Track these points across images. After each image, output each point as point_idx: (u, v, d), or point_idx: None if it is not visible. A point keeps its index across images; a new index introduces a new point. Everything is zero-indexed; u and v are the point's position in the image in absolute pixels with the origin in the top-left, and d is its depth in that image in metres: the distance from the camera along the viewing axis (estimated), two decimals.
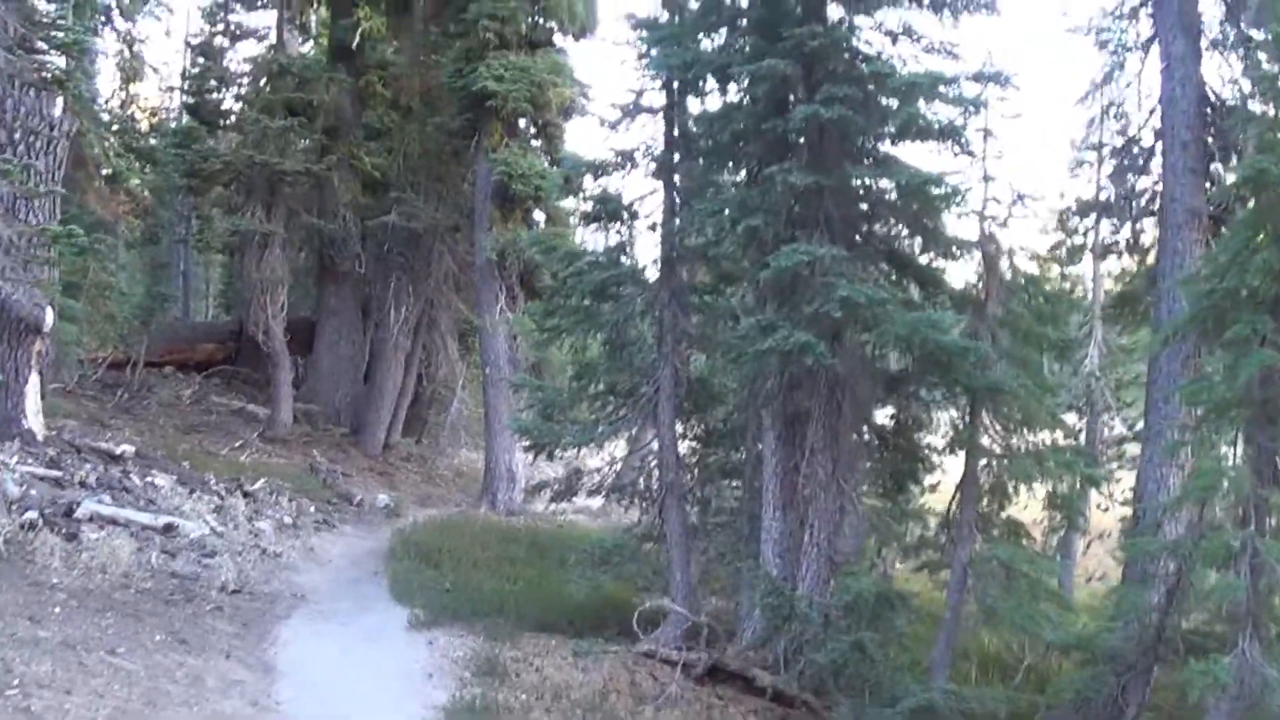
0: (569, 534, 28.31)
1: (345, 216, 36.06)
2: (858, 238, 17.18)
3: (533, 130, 34.12)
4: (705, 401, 20.25)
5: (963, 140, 16.35)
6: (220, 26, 39.88)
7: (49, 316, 22.67)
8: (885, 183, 17.05)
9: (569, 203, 32.43)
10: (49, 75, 19.87)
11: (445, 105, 34.45)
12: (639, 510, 20.98)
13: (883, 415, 18.58)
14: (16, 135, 22.09)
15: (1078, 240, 25.02)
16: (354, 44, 35.69)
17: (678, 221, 18.83)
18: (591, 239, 22.00)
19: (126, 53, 39.06)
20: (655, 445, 19.76)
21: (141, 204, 41.62)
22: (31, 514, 18.01)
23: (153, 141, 41.69)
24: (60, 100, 22.48)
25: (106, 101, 44.61)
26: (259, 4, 39.25)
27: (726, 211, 16.93)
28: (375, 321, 39.03)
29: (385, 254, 37.45)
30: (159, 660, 14.69)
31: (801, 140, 16.84)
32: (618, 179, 19.71)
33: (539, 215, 33.98)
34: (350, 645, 17.59)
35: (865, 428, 17.95)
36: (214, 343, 42.77)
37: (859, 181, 17.11)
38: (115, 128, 37.90)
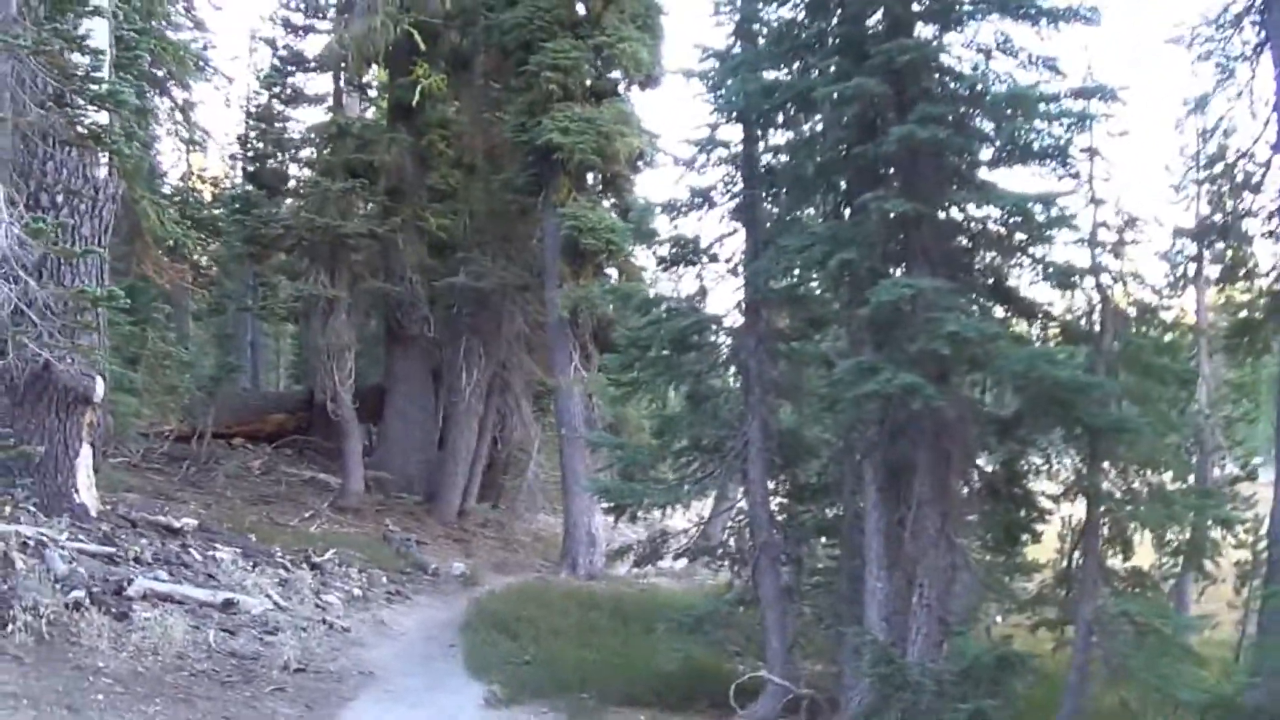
0: (653, 599, 26.78)
1: (412, 279, 35.01)
2: (958, 270, 15.55)
3: (601, 183, 32.85)
4: (796, 455, 18.58)
5: (1068, 161, 14.78)
6: (278, 90, 38.86)
7: (100, 386, 21.47)
8: (986, 209, 15.42)
9: (642, 257, 31.17)
10: (85, 130, 18.57)
11: (510, 161, 33.19)
12: (730, 573, 19.51)
13: (986, 462, 16.88)
14: (59, 197, 20.92)
15: (1180, 268, 23.28)
16: (414, 103, 34.32)
17: (761, 263, 17.19)
18: (668, 287, 20.29)
19: (179, 117, 37.96)
20: (745, 503, 18.25)
21: (206, 275, 40.86)
22: (78, 593, 16.55)
23: (215, 211, 40.68)
24: (105, 161, 21.35)
25: (165, 174, 44.13)
26: (315, 68, 38.06)
27: (816, 247, 15.30)
28: (446, 385, 37.57)
29: (454, 316, 36.27)
30: None
31: (892, 169, 15.32)
32: (694, 220, 18.34)
33: (611, 270, 32.60)
34: None
35: (974, 476, 16.28)
36: (284, 413, 41.82)
37: (957, 210, 15.55)
38: (176, 198, 37.03)
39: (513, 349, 35.93)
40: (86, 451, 21.67)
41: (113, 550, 19.88)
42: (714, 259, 18.23)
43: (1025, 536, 16.84)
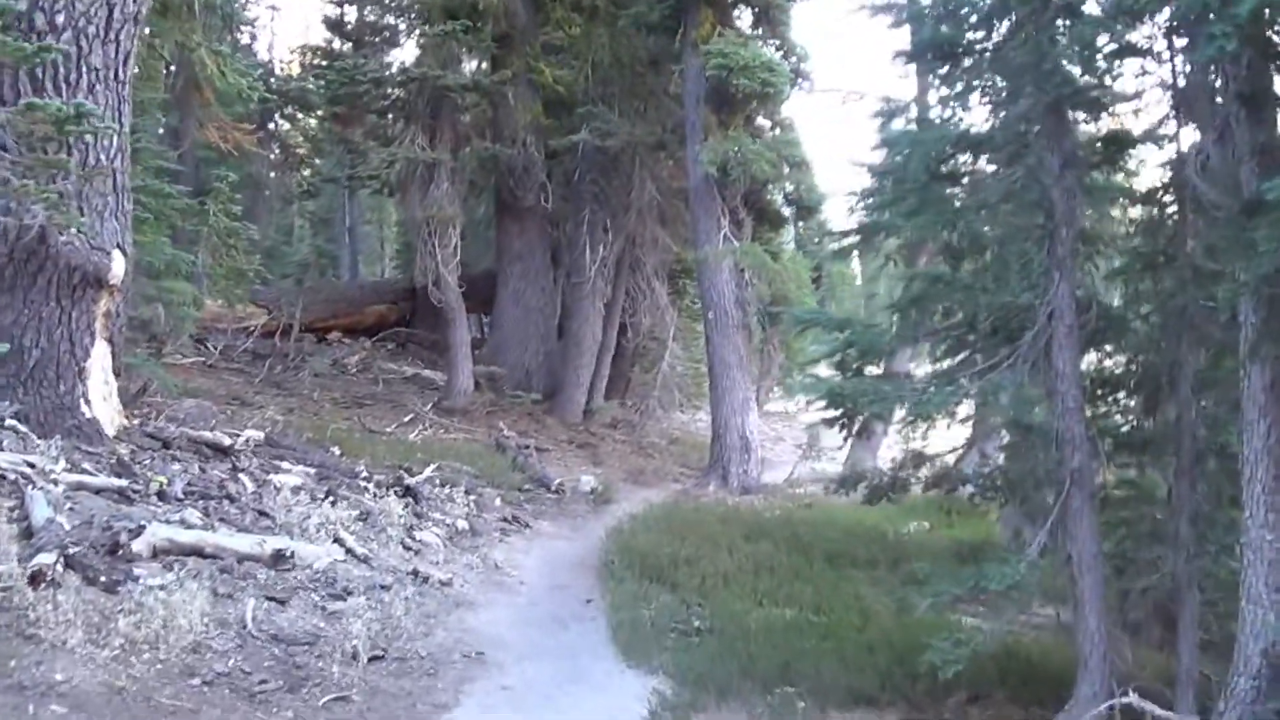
0: (832, 523, 21.19)
1: (525, 140, 29.56)
2: None
3: (751, 16, 26.93)
4: (1102, 336, 12.00)
5: None
6: None
7: (118, 263, 15.81)
8: None
9: (796, 105, 25.34)
10: None
11: None
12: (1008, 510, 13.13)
13: None
14: (59, 15, 15.41)
15: None
16: None
17: (1075, 35, 10.59)
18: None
19: None
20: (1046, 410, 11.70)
21: (295, 154, 35.96)
22: (45, 556, 10.45)
23: (305, 84, 35.14)
24: None
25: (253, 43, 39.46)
26: None
27: None
28: (567, 265, 32.47)
29: (575, 184, 30.78)
30: None
31: None
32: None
33: (764, 121, 26.65)
34: None
35: None
36: (385, 303, 37.09)
37: None
38: (256, 69, 31.72)
39: (644, 220, 30.32)
40: (102, 350, 15.99)
41: (126, 483, 13.98)
42: (978, 50, 11.62)
43: None
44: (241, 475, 16.15)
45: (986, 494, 13.56)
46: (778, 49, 25.78)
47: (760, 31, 26.65)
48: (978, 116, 11.84)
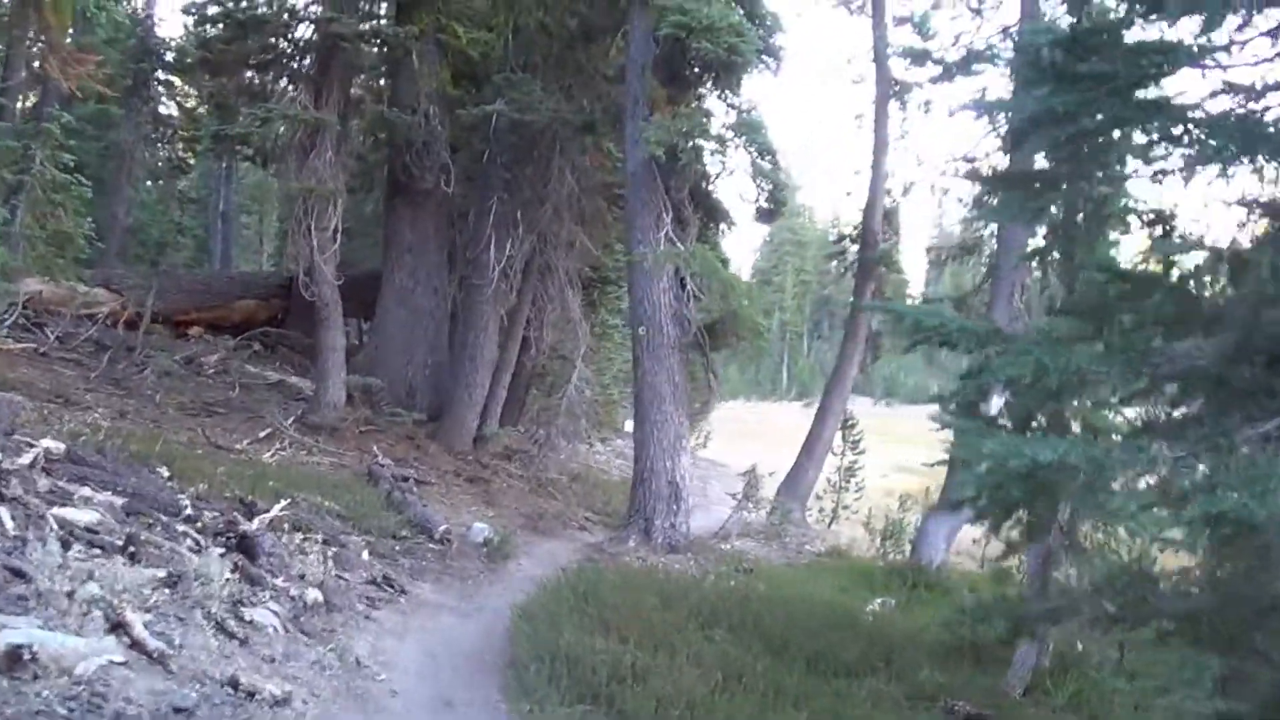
0: (788, 599, 16.58)
1: (428, 111, 24.55)
2: None
3: None
4: None
5: None
6: None
7: None
8: None
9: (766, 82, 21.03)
10: None
11: None
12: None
13: None
14: None
15: None
16: None
17: None
18: None
19: None
20: None
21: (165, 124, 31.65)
22: None
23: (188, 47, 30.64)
24: None
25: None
26: None
27: None
28: (465, 267, 27.33)
29: (483, 167, 25.63)
30: None
31: None
32: None
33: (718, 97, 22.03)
34: None
35: None
36: (255, 299, 32.87)
37: None
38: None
39: (560, 217, 25.53)
40: None
41: None
42: None
43: None
44: (3, 508, 10.59)
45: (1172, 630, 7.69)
46: (744, 15, 20.98)
47: None
48: None
